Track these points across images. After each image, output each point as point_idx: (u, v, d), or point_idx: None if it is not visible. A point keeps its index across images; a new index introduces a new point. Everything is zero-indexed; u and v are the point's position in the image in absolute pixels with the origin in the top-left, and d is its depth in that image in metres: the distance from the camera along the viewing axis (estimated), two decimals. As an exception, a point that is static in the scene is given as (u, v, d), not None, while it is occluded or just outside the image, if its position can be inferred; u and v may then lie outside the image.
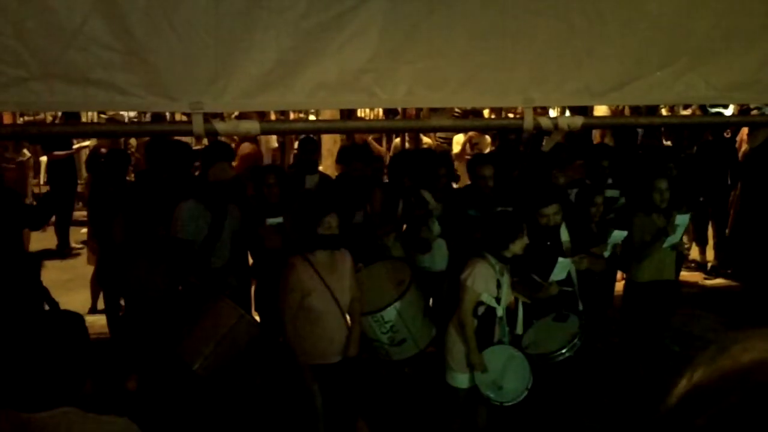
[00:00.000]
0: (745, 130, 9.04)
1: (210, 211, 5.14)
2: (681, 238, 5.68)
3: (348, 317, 4.53)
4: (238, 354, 4.64)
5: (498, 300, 4.49)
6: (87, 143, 9.57)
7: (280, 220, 5.22)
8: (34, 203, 9.05)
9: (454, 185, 6.08)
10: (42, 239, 8.78)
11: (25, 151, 9.45)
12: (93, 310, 6.98)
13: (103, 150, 7.90)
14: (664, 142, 9.21)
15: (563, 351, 4.63)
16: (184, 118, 4.35)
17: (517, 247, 4.43)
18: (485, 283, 4.42)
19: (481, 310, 4.46)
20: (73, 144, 9.58)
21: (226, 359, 4.57)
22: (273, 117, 9.03)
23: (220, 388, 4.89)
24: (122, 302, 5.81)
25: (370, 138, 9.64)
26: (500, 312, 4.53)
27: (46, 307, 4.80)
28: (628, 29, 4.37)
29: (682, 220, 5.36)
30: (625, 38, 4.38)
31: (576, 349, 4.65)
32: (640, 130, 8.25)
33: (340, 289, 4.40)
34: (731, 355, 0.66)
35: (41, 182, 10.73)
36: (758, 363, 0.64)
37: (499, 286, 4.48)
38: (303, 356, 4.42)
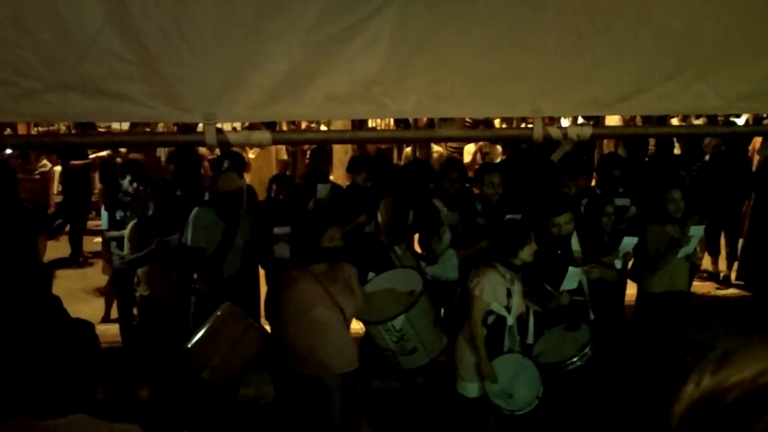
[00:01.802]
0: (758, 140, 9.01)
1: (223, 220, 5.18)
2: (695, 249, 5.65)
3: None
4: (246, 363, 4.66)
5: (508, 309, 4.48)
6: (103, 153, 9.67)
7: (287, 229, 5.24)
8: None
9: (475, 191, 6.05)
10: (56, 248, 8.86)
11: (46, 162, 9.55)
12: (106, 319, 7.03)
13: (119, 160, 7.97)
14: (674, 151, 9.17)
15: (574, 360, 4.63)
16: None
17: (525, 254, 4.42)
18: (494, 293, 4.42)
19: (490, 319, 4.46)
20: (89, 154, 9.68)
21: (234, 368, 4.58)
22: (285, 127, 9.09)
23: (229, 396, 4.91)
24: (135, 311, 5.86)
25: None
26: (510, 321, 4.52)
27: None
28: (636, 39, 4.38)
29: (696, 231, 5.33)
30: (633, 48, 4.38)
31: (587, 358, 4.64)
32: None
33: (343, 299, 4.39)
34: (734, 363, 0.68)
35: (55, 191, 10.84)
36: (761, 372, 0.65)
37: (509, 294, 4.47)
38: (313, 369, 4.40)
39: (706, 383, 0.69)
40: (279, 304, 4.43)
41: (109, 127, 10.09)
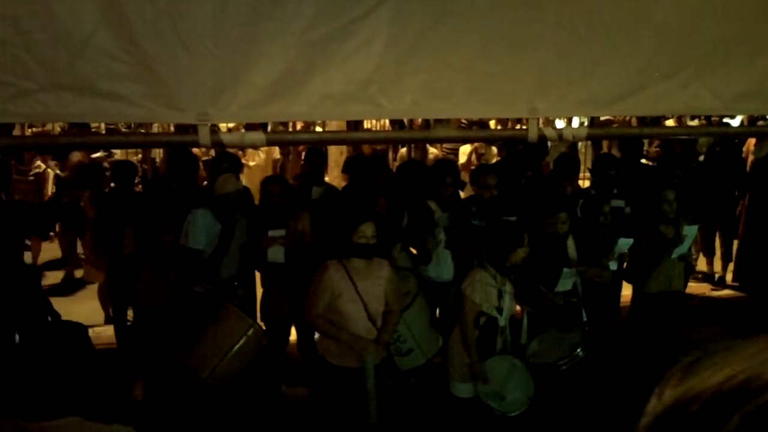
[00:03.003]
0: (752, 141, 9.03)
1: (219, 221, 5.16)
2: (689, 249, 5.66)
3: (377, 324, 4.49)
4: (246, 364, 4.65)
5: (500, 310, 4.48)
6: (97, 155, 9.61)
7: (282, 232, 5.22)
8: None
9: (462, 194, 6.06)
10: (49, 249, 8.82)
11: (40, 163, 9.50)
12: (108, 321, 6.95)
13: (106, 164, 7.93)
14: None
15: (565, 360, 4.63)
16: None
17: (517, 257, 4.41)
18: (484, 294, 4.41)
19: (482, 320, 4.46)
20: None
21: (235, 369, 4.58)
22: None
23: (228, 398, 4.89)
24: (130, 313, 5.83)
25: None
26: (502, 322, 4.52)
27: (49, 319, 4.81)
28: (633, 40, 4.38)
29: (690, 230, 5.34)
30: (630, 49, 4.39)
31: (578, 359, 4.64)
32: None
33: (371, 295, 4.39)
34: (698, 373, 0.67)
35: (49, 193, 10.78)
36: (727, 379, 0.65)
37: (500, 296, 4.47)
38: (342, 359, 4.40)
39: (668, 396, 0.69)
40: (310, 290, 4.43)
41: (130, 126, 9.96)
